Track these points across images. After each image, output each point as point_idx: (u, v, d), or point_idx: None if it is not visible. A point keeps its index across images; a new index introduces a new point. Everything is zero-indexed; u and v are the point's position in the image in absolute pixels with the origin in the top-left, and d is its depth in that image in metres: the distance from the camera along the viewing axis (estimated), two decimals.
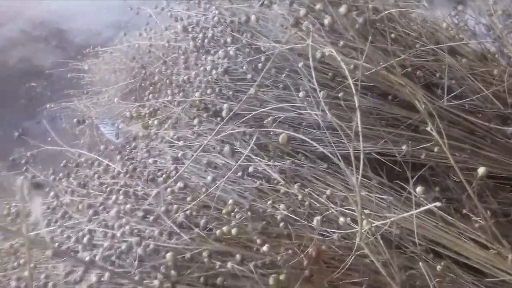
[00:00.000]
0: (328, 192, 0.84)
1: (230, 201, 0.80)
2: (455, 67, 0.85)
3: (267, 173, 0.90)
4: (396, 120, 0.94)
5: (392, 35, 0.89)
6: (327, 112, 0.60)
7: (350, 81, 0.61)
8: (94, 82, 1.66)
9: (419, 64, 0.87)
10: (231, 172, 0.73)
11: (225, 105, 0.78)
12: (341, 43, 0.75)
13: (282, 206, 0.81)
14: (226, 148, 0.71)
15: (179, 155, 0.84)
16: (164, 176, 0.90)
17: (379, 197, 0.79)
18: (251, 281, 0.62)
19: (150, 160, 0.94)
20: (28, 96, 3.26)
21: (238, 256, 0.62)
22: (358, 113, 0.62)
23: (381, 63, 0.83)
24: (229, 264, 0.63)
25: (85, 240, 0.67)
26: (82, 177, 1.02)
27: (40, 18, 3.93)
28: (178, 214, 0.70)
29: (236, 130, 0.77)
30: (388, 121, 0.95)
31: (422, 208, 0.63)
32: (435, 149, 0.76)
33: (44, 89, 3.26)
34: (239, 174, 0.88)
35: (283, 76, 0.82)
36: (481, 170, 0.65)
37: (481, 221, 0.70)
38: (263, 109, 0.73)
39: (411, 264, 0.80)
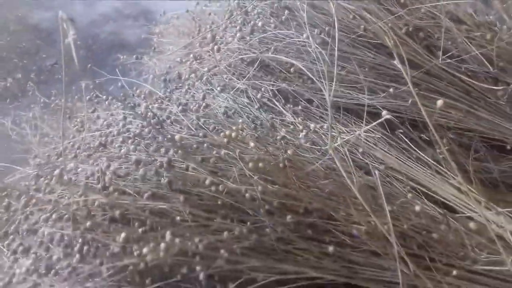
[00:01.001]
0: (325, 126, 0.99)
1: (240, 121, 0.98)
2: (453, 31, 0.96)
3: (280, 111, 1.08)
4: (399, 77, 1.06)
5: (402, 0, 1.01)
6: (311, 40, 0.75)
7: (335, 19, 0.76)
8: (162, 43, 1.92)
9: (421, 26, 0.99)
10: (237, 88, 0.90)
11: (237, 34, 0.96)
12: None
13: (283, 130, 0.97)
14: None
15: (203, 79, 1.03)
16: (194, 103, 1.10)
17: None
18: (237, 166, 0.79)
19: (184, 91, 1.15)
20: (113, 66, 3.65)
21: (225, 140, 0.80)
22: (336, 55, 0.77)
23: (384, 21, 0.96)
24: (222, 152, 0.81)
25: (120, 125, 0.88)
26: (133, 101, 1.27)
27: None
28: (194, 117, 0.90)
29: (243, 56, 0.94)
30: (392, 77, 1.07)
31: (370, 125, 0.76)
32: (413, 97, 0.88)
33: (128, 60, 3.63)
34: (256, 107, 1.06)
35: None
36: (439, 102, 0.76)
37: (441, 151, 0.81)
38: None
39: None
